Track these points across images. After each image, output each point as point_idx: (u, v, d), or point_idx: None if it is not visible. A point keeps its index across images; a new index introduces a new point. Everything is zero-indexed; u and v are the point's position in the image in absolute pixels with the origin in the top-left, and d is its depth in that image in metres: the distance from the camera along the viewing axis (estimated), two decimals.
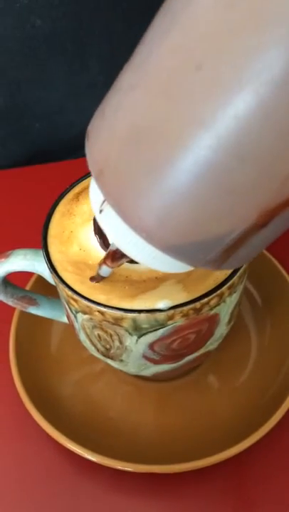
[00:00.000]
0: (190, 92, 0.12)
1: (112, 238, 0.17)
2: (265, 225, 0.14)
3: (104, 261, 0.21)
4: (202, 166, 0.13)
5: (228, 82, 0.12)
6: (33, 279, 0.33)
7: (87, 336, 0.25)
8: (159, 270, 0.18)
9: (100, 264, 0.21)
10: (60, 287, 0.23)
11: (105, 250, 0.23)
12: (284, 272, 0.33)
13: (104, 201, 0.17)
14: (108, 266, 0.21)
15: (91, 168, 0.15)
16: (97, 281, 0.22)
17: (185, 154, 0.13)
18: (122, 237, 0.17)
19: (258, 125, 0.12)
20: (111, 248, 0.20)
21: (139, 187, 0.14)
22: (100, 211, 0.17)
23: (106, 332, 0.23)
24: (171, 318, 0.21)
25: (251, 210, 0.14)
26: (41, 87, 0.46)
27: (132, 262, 0.22)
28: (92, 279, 0.22)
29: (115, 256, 0.20)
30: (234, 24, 0.11)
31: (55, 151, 0.50)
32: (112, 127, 0.15)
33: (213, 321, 0.23)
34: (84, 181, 0.27)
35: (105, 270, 0.21)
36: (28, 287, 0.33)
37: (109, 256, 0.21)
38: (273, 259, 0.33)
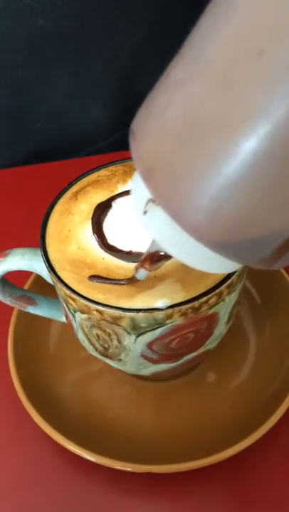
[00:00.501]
0: (251, 80, 0.12)
1: (157, 240, 0.17)
2: None
3: (142, 264, 0.20)
4: (259, 156, 0.12)
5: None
6: (31, 278, 0.33)
7: (86, 335, 0.25)
8: (206, 271, 0.18)
9: (137, 268, 0.21)
10: (59, 286, 0.23)
11: (103, 249, 0.23)
12: (283, 272, 0.33)
13: (148, 202, 0.16)
14: (146, 269, 0.20)
15: (138, 167, 0.15)
16: (130, 283, 0.22)
17: (243, 145, 0.13)
18: (169, 238, 0.16)
19: None
20: (149, 251, 0.20)
21: (194, 184, 0.14)
22: (145, 212, 0.17)
23: (104, 331, 0.23)
24: (169, 317, 0.21)
25: None
26: (44, 87, 0.46)
27: (130, 261, 0.22)
28: (130, 279, 0.22)
29: (153, 259, 0.20)
30: None
31: (58, 151, 0.50)
32: (163, 124, 0.14)
33: (212, 320, 0.23)
34: (82, 180, 0.27)
35: (142, 273, 0.21)
36: (26, 287, 0.33)
37: (148, 259, 0.20)
38: None
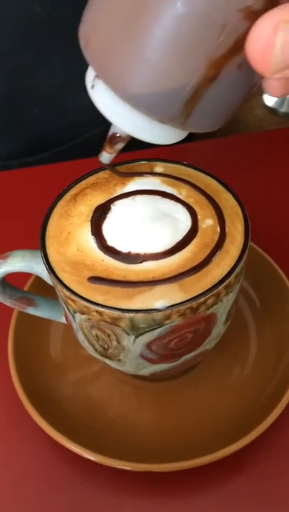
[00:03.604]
0: None
1: (101, 109, 0.20)
2: (215, 79, 0.17)
3: (103, 148, 0.23)
4: (155, 17, 0.15)
5: None
6: (31, 279, 0.34)
7: (85, 336, 0.25)
8: (148, 141, 0.20)
9: (100, 152, 0.23)
10: (58, 288, 0.23)
11: (103, 251, 0.23)
12: (281, 273, 0.33)
13: (95, 77, 0.19)
14: (107, 152, 0.23)
15: (80, 40, 0.18)
16: (106, 168, 0.25)
17: (147, 12, 0.16)
18: (110, 106, 0.19)
19: None
20: (109, 133, 0.22)
21: (116, 48, 0.17)
22: (92, 86, 0.19)
23: (104, 332, 0.23)
24: (168, 317, 0.21)
25: (200, 61, 0.16)
26: (40, 73, 0.46)
27: (129, 262, 0.23)
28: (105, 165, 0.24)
29: (112, 141, 0.22)
30: None
31: (54, 137, 0.50)
32: (92, 2, 0.18)
33: (210, 320, 0.24)
34: (81, 183, 0.27)
35: (106, 157, 0.23)
36: (26, 288, 0.33)
37: (107, 142, 0.23)
38: (270, 260, 0.34)
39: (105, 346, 0.24)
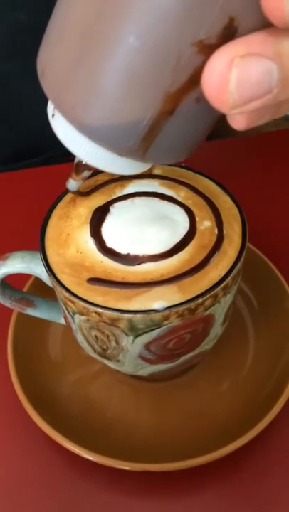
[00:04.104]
0: None
1: (61, 139, 0.19)
2: (172, 112, 0.16)
3: (70, 175, 0.23)
4: (108, 51, 0.15)
5: None
6: (30, 281, 0.34)
7: (84, 336, 0.25)
8: (109, 171, 0.20)
9: (67, 180, 0.23)
10: (58, 289, 0.23)
11: (102, 253, 0.23)
12: (278, 274, 0.33)
13: (54, 106, 0.19)
14: (74, 179, 0.23)
15: (37, 71, 0.18)
16: (75, 194, 0.25)
17: (100, 45, 0.15)
18: (69, 137, 0.19)
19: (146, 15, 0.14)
20: (75, 161, 0.22)
21: (70, 79, 0.16)
22: (52, 115, 0.19)
23: (103, 333, 0.23)
24: (166, 318, 0.22)
25: (156, 95, 0.15)
26: (27, 80, 0.46)
27: (128, 264, 0.23)
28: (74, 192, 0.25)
29: (78, 169, 0.22)
30: None
31: (43, 144, 0.50)
32: (49, 34, 0.17)
33: (208, 321, 0.24)
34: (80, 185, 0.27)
35: (72, 184, 0.24)
36: (25, 289, 0.33)
37: (74, 170, 0.23)
38: (268, 261, 0.34)
39: (104, 347, 0.25)
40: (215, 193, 0.26)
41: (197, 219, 0.24)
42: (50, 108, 0.19)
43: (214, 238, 0.24)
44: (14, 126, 0.50)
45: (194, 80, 0.15)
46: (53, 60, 0.17)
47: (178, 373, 0.30)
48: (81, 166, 0.22)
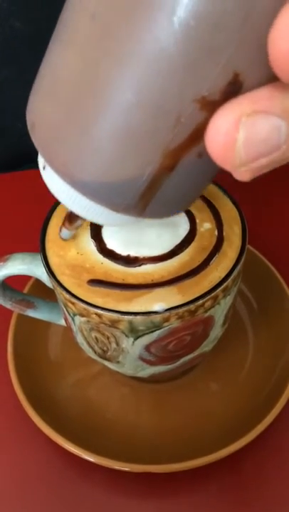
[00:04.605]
0: (91, 42, 0.14)
1: (52, 192, 0.18)
2: (173, 168, 0.15)
3: (63, 224, 0.23)
4: (103, 106, 0.14)
5: (117, 32, 0.13)
6: (30, 282, 0.34)
7: (85, 338, 0.25)
8: (98, 223, 0.19)
9: (60, 229, 0.23)
10: (58, 290, 0.23)
11: (102, 254, 0.23)
12: (278, 275, 0.33)
13: None
14: (67, 228, 0.23)
15: (27, 124, 0.17)
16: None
17: (95, 98, 0.14)
18: (60, 190, 0.18)
19: (144, 72, 0.13)
20: (67, 211, 0.22)
21: (61, 135, 0.15)
22: (44, 167, 0.18)
23: (103, 334, 0.23)
24: (166, 320, 0.22)
25: (155, 151, 0.14)
26: (22, 88, 0.47)
27: (128, 265, 0.23)
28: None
29: (72, 219, 0.22)
30: None
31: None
32: (38, 87, 0.16)
33: (207, 323, 0.24)
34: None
35: (65, 233, 0.23)
36: (26, 290, 0.33)
37: (66, 219, 0.22)
38: (267, 262, 0.34)
39: (104, 348, 0.25)
40: (215, 195, 0.26)
41: (197, 221, 0.25)
42: (41, 160, 0.18)
43: (214, 240, 0.24)
44: (10, 134, 0.50)
45: (196, 136, 0.14)
46: (43, 114, 0.16)
47: (178, 375, 0.30)
48: (74, 216, 0.22)
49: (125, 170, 0.15)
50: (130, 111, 0.14)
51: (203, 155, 0.14)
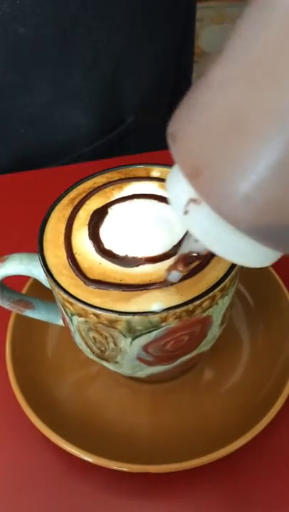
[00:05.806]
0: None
1: (200, 238, 0.17)
2: None
3: (175, 266, 0.21)
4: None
5: None
6: (29, 282, 0.34)
7: (83, 338, 0.25)
8: (249, 266, 0.18)
9: (170, 270, 0.21)
10: (56, 291, 0.23)
11: (100, 255, 0.23)
12: (276, 275, 0.33)
13: (189, 202, 0.17)
14: (180, 271, 0.21)
15: (183, 168, 0.15)
16: (162, 287, 0.22)
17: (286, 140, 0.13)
18: (214, 236, 0.17)
19: None
20: (182, 253, 0.20)
21: (240, 180, 0.14)
22: (186, 212, 0.17)
23: (101, 334, 0.23)
24: (164, 320, 0.22)
25: None
26: (25, 94, 0.47)
27: (126, 266, 0.23)
28: (162, 283, 0.22)
29: (186, 260, 0.20)
30: None
31: (42, 157, 0.50)
32: (207, 124, 0.15)
33: (205, 323, 0.24)
34: (78, 187, 0.27)
35: (175, 275, 0.21)
36: (24, 291, 0.33)
37: (181, 261, 0.20)
38: None
39: (102, 348, 0.25)
40: None
41: None
42: (181, 203, 0.17)
43: None
44: (13, 140, 0.50)
45: None
46: (220, 159, 0.15)
47: (176, 375, 0.30)
48: (191, 258, 0.20)
49: None
50: None
51: None
